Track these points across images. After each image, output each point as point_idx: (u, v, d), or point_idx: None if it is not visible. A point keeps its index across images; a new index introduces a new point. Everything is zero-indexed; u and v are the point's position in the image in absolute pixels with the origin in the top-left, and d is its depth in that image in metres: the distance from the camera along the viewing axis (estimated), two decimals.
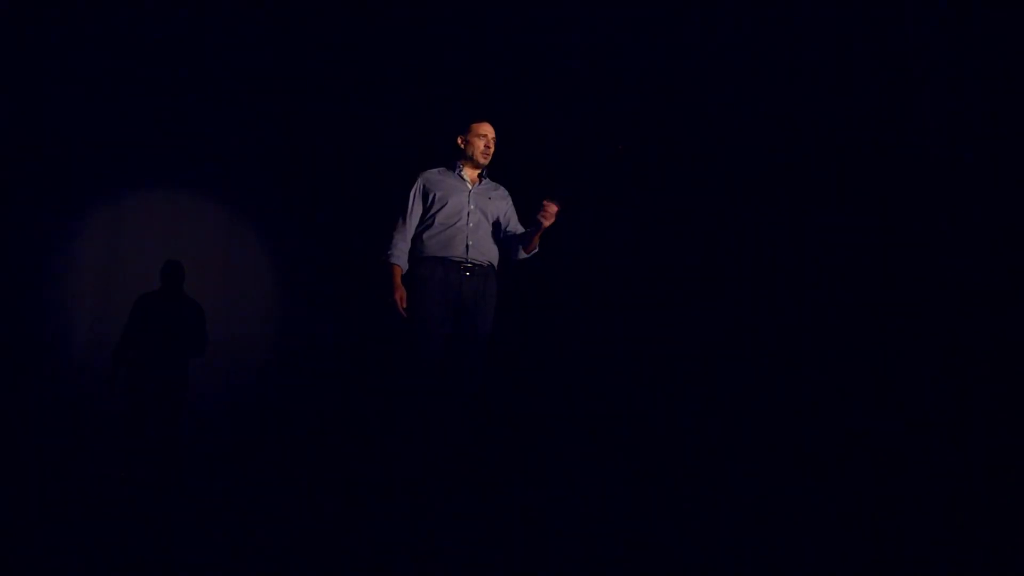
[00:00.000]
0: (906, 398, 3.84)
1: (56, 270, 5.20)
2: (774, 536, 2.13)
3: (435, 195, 3.20)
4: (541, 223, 3.08)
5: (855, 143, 4.11)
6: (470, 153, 3.25)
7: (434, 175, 3.27)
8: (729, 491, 3.22)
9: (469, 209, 3.21)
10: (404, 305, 3.09)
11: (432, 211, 3.19)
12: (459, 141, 3.29)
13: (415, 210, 3.22)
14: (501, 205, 3.32)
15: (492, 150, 3.26)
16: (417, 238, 3.20)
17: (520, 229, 3.35)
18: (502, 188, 3.39)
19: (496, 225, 3.29)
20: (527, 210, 3.46)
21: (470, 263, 3.16)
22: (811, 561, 1.79)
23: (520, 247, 3.28)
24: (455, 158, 3.30)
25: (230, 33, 5.27)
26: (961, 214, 3.81)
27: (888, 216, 3.95)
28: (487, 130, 3.26)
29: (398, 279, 3.14)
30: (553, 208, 3.06)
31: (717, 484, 3.46)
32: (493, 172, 3.35)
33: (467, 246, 3.16)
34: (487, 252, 3.23)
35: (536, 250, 3.31)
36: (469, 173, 3.29)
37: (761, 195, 4.36)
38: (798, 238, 4.22)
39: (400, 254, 3.17)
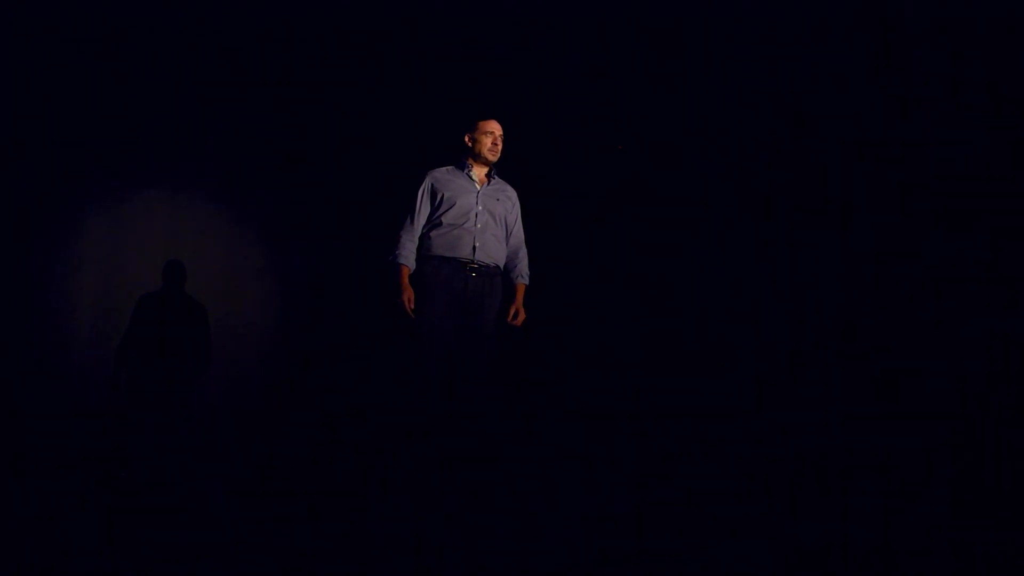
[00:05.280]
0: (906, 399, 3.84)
1: (56, 270, 5.17)
2: (773, 535, 2.13)
3: (443, 195, 3.19)
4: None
5: (855, 145, 4.12)
6: (478, 151, 3.23)
7: (443, 174, 3.26)
8: (729, 491, 3.22)
9: (477, 210, 3.20)
10: (412, 306, 3.09)
11: (440, 211, 3.17)
12: (466, 139, 3.27)
13: (423, 210, 3.21)
14: (507, 206, 3.32)
15: (500, 147, 3.24)
16: (424, 237, 3.19)
17: (521, 235, 3.37)
18: (511, 189, 3.37)
19: (504, 226, 3.30)
20: (529, 211, 3.47)
21: (476, 264, 3.15)
22: (810, 559, 1.79)
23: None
24: (463, 156, 3.29)
25: (231, 32, 5.26)
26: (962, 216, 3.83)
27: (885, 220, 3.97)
28: (494, 127, 3.24)
29: (406, 280, 3.12)
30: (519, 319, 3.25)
31: (716, 483, 3.46)
32: (502, 170, 3.36)
33: (474, 248, 3.15)
34: (494, 254, 3.22)
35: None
36: (478, 172, 3.28)
37: (760, 194, 4.37)
38: (797, 236, 4.23)
39: (408, 254, 3.16)
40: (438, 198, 3.20)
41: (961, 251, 3.69)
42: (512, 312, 3.25)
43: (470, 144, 3.26)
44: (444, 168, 3.29)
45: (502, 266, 3.29)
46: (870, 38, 3.96)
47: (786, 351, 4.16)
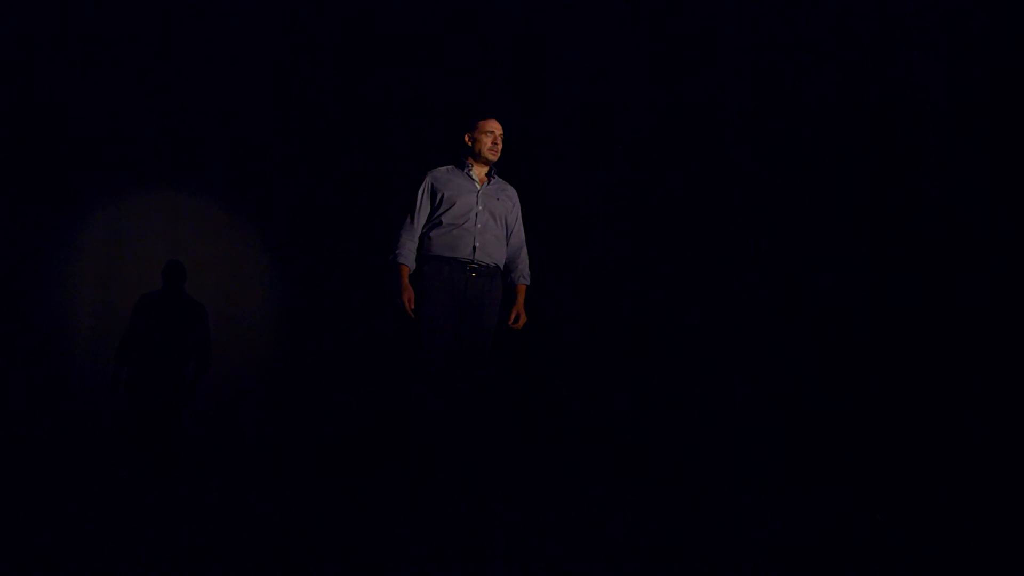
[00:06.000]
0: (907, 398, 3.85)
1: (56, 270, 5.17)
2: (771, 534, 2.13)
3: (443, 195, 3.18)
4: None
5: (855, 145, 4.12)
6: (478, 150, 3.23)
7: (443, 174, 3.26)
8: (728, 490, 3.22)
9: (477, 210, 3.19)
10: (412, 306, 3.09)
11: (440, 211, 3.17)
12: (467, 139, 3.27)
13: (423, 209, 3.20)
14: (507, 206, 3.32)
15: (500, 147, 3.24)
16: (424, 237, 3.19)
17: (521, 235, 3.37)
18: (511, 188, 3.37)
19: (504, 226, 3.30)
20: (529, 211, 3.47)
21: (476, 264, 3.15)
22: (808, 558, 1.79)
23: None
24: (463, 156, 3.29)
25: (231, 32, 5.26)
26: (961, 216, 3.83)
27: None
28: (494, 127, 3.24)
29: (406, 279, 3.13)
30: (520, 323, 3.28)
31: (717, 484, 3.46)
32: (502, 169, 3.36)
33: (474, 247, 3.15)
34: (494, 254, 3.22)
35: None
36: (478, 172, 3.28)
37: (760, 194, 4.37)
38: (796, 238, 4.23)
39: (408, 254, 3.16)
40: (438, 197, 3.19)
41: (960, 250, 3.70)
42: (513, 315, 3.25)
43: (470, 144, 3.26)
44: (444, 167, 3.29)
45: (502, 266, 3.29)
46: (870, 38, 3.97)
47: (786, 350, 4.16)
